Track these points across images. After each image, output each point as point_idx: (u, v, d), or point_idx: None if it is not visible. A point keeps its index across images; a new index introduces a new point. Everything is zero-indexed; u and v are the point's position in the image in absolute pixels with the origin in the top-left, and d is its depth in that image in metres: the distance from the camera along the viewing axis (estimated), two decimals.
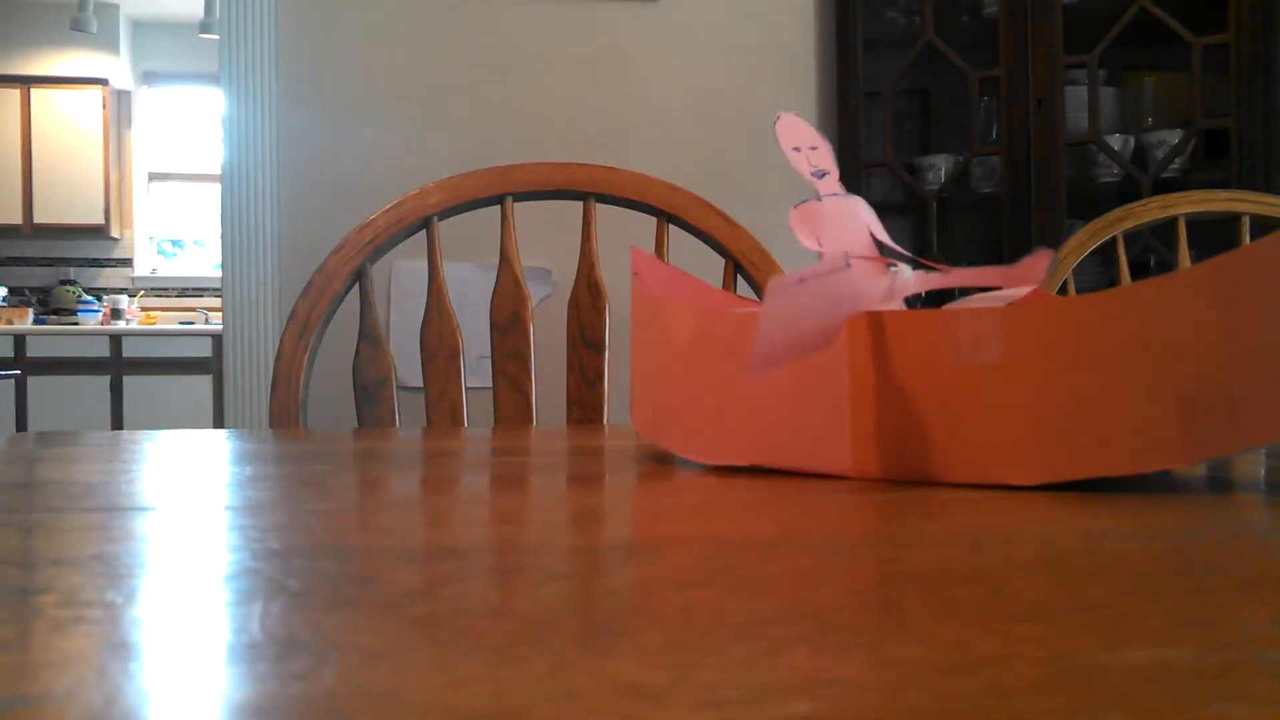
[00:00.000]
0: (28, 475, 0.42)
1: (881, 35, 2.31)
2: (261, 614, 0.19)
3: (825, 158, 0.53)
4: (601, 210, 1.13)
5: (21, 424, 4.56)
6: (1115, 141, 1.93)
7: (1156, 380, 0.34)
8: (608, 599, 0.20)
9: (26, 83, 5.34)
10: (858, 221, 0.52)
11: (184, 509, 0.33)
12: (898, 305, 0.48)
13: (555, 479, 0.42)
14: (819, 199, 0.52)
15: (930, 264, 0.49)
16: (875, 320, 0.39)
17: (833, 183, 0.52)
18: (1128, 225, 1.11)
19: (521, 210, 1.13)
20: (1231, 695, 0.14)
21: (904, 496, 0.35)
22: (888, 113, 2.22)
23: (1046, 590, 0.21)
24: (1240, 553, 0.26)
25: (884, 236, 0.52)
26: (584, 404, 0.96)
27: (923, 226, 2.16)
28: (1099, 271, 1.93)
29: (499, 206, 1.00)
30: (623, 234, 1.49)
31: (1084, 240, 1.12)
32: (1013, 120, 2.01)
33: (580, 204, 1.10)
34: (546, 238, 1.76)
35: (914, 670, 0.15)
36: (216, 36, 2.20)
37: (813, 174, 0.52)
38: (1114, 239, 1.12)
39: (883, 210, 2.38)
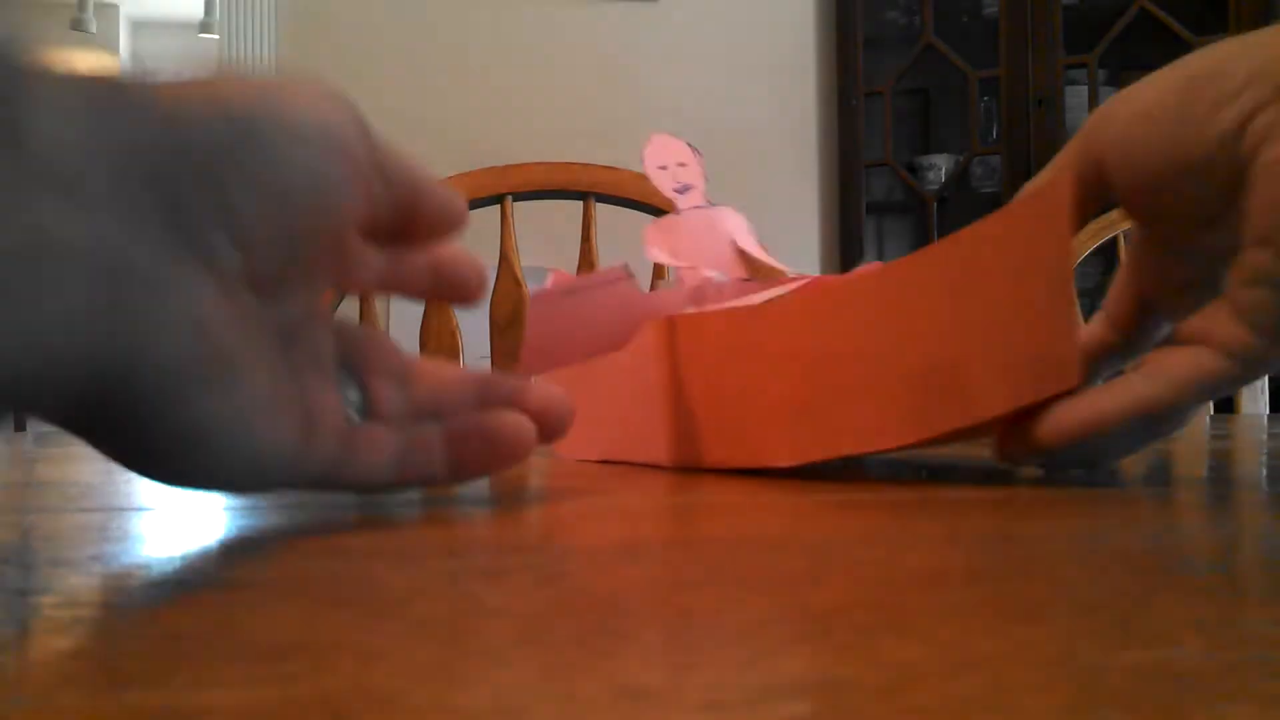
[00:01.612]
0: (26, 475, 0.42)
1: (881, 35, 2.31)
2: (260, 614, 0.19)
3: (693, 173, 0.54)
4: (601, 210, 1.13)
5: (20, 424, 4.56)
6: None
7: (885, 363, 0.36)
8: (607, 599, 0.20)
9: None
10: (718, 232, 0.53)
11: (183, 509, 0.33)
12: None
13: (554, 478, 0.42)
14: (679, 213, 0.53)
15: (796, 274, 0.50)
16: (671, 323, 0.42)
17: (696, 196, 0.53)
18: (1128, 224, 1.11)
19: (521, 210, 1.13)
20: (1233, 695, 0.14)
21: (903, 496, 0.35)
22: (888, 112, 2.21)
23: (1046, 590, 0.21)
24: (1241, 554, 0.26)
25: (749, 245, 0.53)
26: None
27: (923, 226, 2.16)
28: (1100, 271, 1.93)
29: (498, 206, 1.00)
30: (623, 234, 1.49)
31: (1084, 240, 1.12)
32: (1013, 120, 2.01)
33: (580, 204, 1.10)
34: (546, 237, 1.76)
35: (914, 670, 0.15)
36: (216, 36, 2.20)
37: (675, 190, 0.53)
38: (1115, 238, 1.12)
39: (883, 210, 2.38)
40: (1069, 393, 0.35)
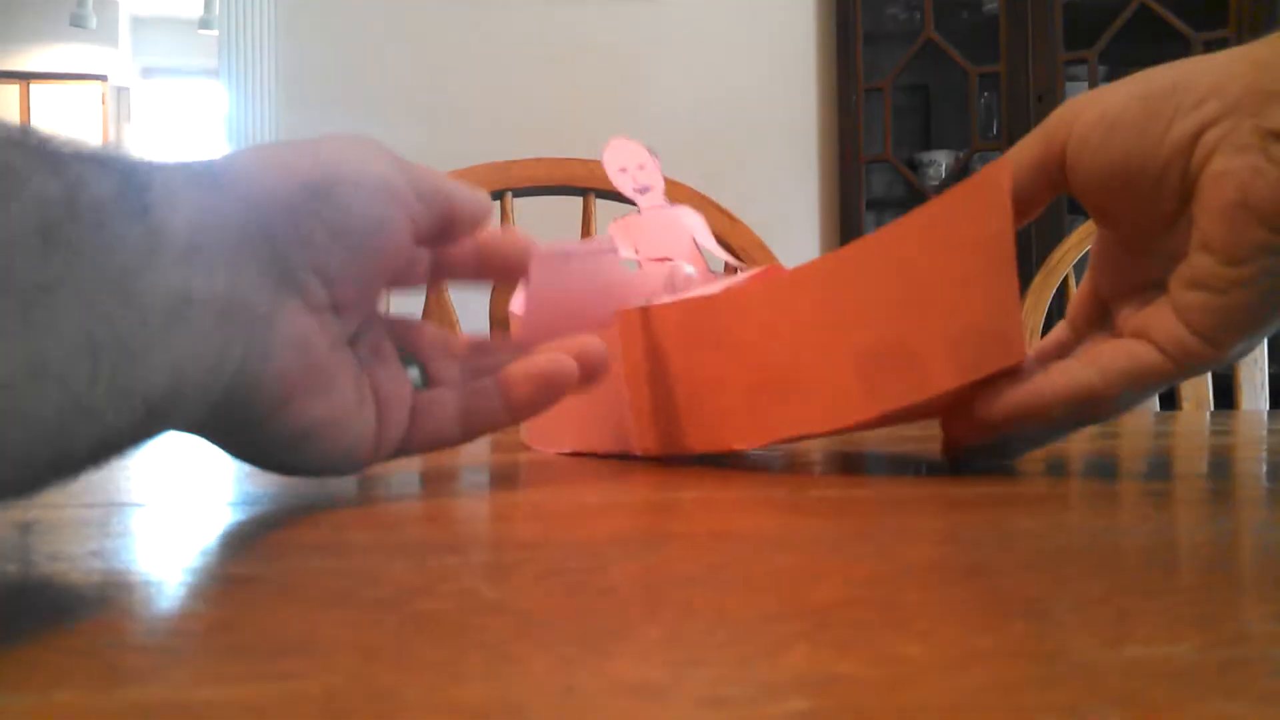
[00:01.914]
0: None
1: (881, 30, 2.31)
2: (259, 610, 0.19)
3: (652, 175, 0.56)
4: (602, 206, 1.12)
5: None
6: None
7: (837, 344, 0.37)
8: (607, 595, 0.20)
9: (26, 78, 5.34)
10: (678, 230, 0.54)
11: (183, 505, 0.33)
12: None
13: (554, 475, 0.42)
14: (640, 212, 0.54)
15: (743, 265, 0.51)
16: (639, 312, 0.43)
17: (656, 196, 0.55)
18: None
19: (521, 206, 1.13)
20: (1231, 692, 0.14)
21: (902, 494, 0.35)
22: (888, 108, 2.21)
23: (1045, 587, 0.21)
24: (1240, 550, 0.26)
25: (707, 241, 0.54)
26: None
27: None
28: None
29: (498, 203, 1.00)
30: None
31: (1084, 236, 1.12)
32: (1013, 116, 2.01)
33: (580, 200, 1.10)
34: (546, 234, 1.76)
35: (913, 667, 0.15)
36: (216, 32, 2.20)
37: (635, 190, 0.55)
38: None
39: (883, 206, 2.38)
40: (1014, 371, 0.36)
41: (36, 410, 0.20)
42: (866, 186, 2.27)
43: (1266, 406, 1.13)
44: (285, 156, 0.30)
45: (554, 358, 0.36)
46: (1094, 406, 0.36)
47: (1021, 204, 0.38)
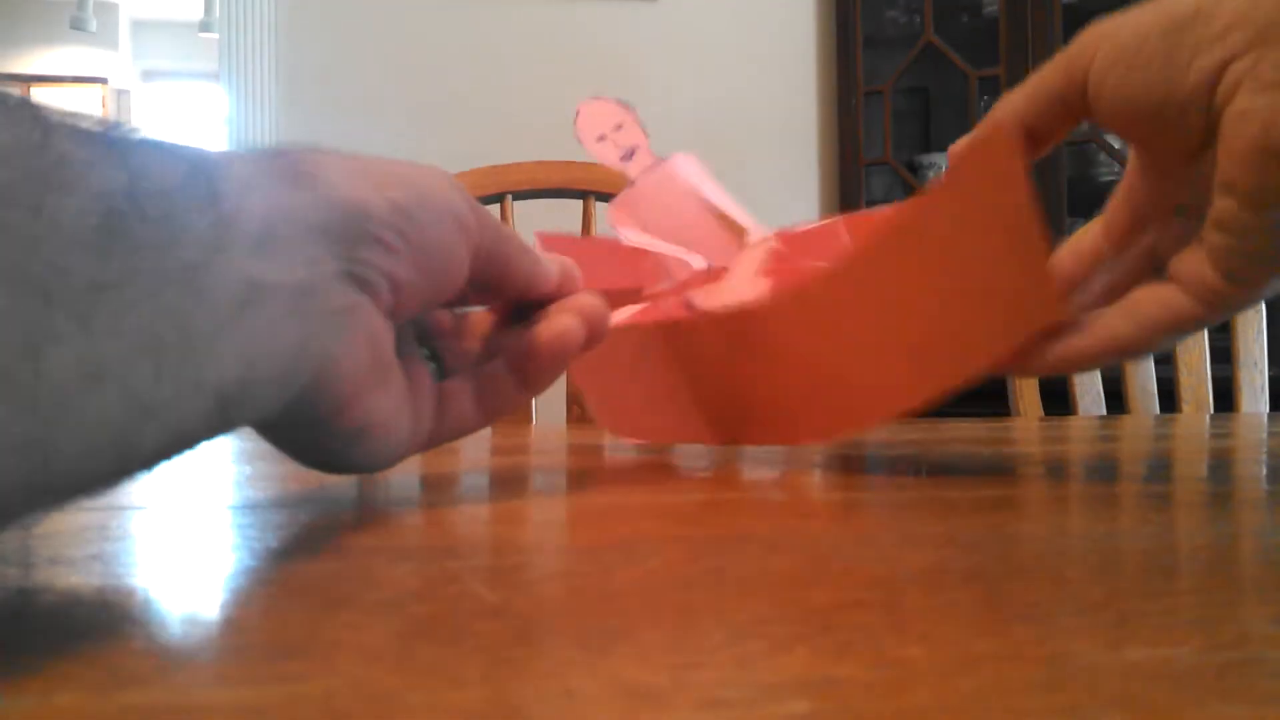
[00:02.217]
0: None
1: (881, 34, 2.31)
2: (260, 613, 0.19)
3: (632, 133, 0.51)
4: (601, 208, 1.12)
5: None
6: (1116, 140, 1.93)
7: (884, 336, 0.38)
8: (607, 598, 0.20)
9: (26, 81, 5.35)
10: (679, 189, 0.50)
11: (183, 508, 0.33)
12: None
13: (555, 477, 0.42)
14: (633, 184, 0.50)
15: (745, 220, 0.49)
16: (675, 328, 0.44)
17: (644, 156, 0.51)
18: None
19: (521, 208, 1.13)
20: (1232, 695, 0.14)
21: (902, 497, 0.35)
22: (888, 111, 2.21)
23: (1046, 590, 0.21)
24: (1240, 553, 0.26)
25: (714, 194, 0.50)
26: (583, 402, 0.96)
27: None
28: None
29: (498, 205, 1.00)
30: None
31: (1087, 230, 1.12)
32: None
33: (580, 202, 1.10)
34: None
35: (914, 670, 0.15)
36: (216, 35, 2.20)
37: (621, 157, 0.51)
38: None
39: None
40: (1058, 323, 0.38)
41: (97, 413, 0.19)
42: (866, 189, 2.27)
43: (1266, 409, 1.13)
44: (376, 173, 0.31)
45: (559, 329, 0.36)
46: (1133, 353, 0.38)
47: (1042, 135, 0.38)
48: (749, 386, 0.42)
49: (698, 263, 0.51)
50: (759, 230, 0.50)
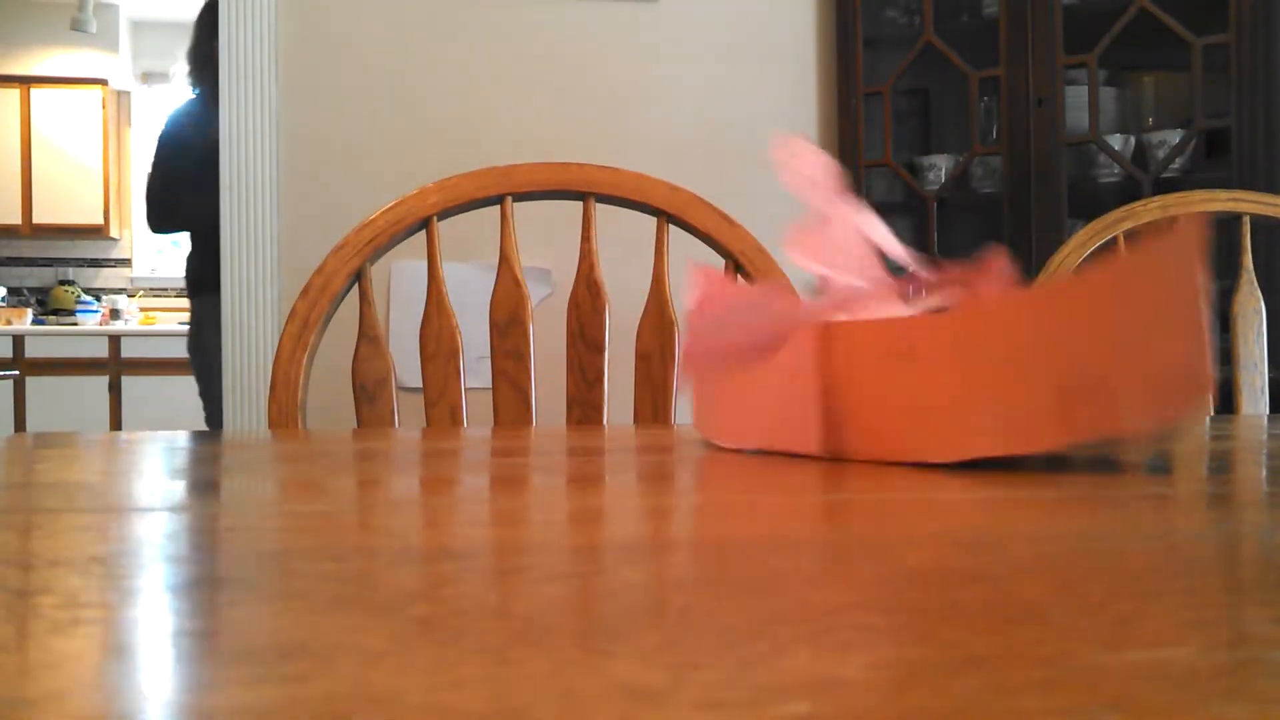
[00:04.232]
0: (26, 476, 0.42)
1: (881, 34, 2.31)
2: (260, 615, 0.19)
3: (823, 175, 0.56)
4: (601, 210, 1.12)
5: (20, 425, 4.56)
6: (1115, 141, 1.93)
7: (1036, 374, 0.41)
8: (607, 599, 0.20)
9: (26, 82, 5.34)
10: (854, 232, 0.56)
11: (183, 510, 0.33)
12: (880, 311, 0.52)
13: (554, 479, 0.42)
14: (815, 219, 0.55)
15: (925, 264, 0.53)
16: (828, 330, 0.46)
17: (830, 200, 0.56)
18: (1129, 225, 1.11)
19: (521, 210, 1.13)
20: (1232, 695, 0.14)
21: (902, 498, 0.35)
22: (888, 112, 2.21)
23: (1046, 590, 0.21)
24: (1240, 553, 0.26)
25: (887, 242, 0.56)
26: (584, 404, 0.96)
27: (923, 226, 2.16)
28: None
29: (498, 206, 1.00)
30: (622, 234, 1.48)
31: (1085, 240, 1.12)
32: (1013, 120, 2.01)
33: (580, 204, 1.10)
34: (546, 238, 1.76)
35: (914, 670, 0.15)
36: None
37: (810, 192, 0.56)
38: (1115, 239, 1.12)
39: (883, 210, 2.38)
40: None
41: None
42: (866, 190, 2.27)
43: (1266, 411, 1.13)
44: None
45: None
46: None
47: None
48: (888, 397, 0.44)
49: (860, 286, 0.54)
50: (928, 284, 0.54)
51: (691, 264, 0.58)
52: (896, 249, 0.56)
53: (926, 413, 0.43)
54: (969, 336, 0.42)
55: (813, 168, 0.57)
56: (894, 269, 0.55)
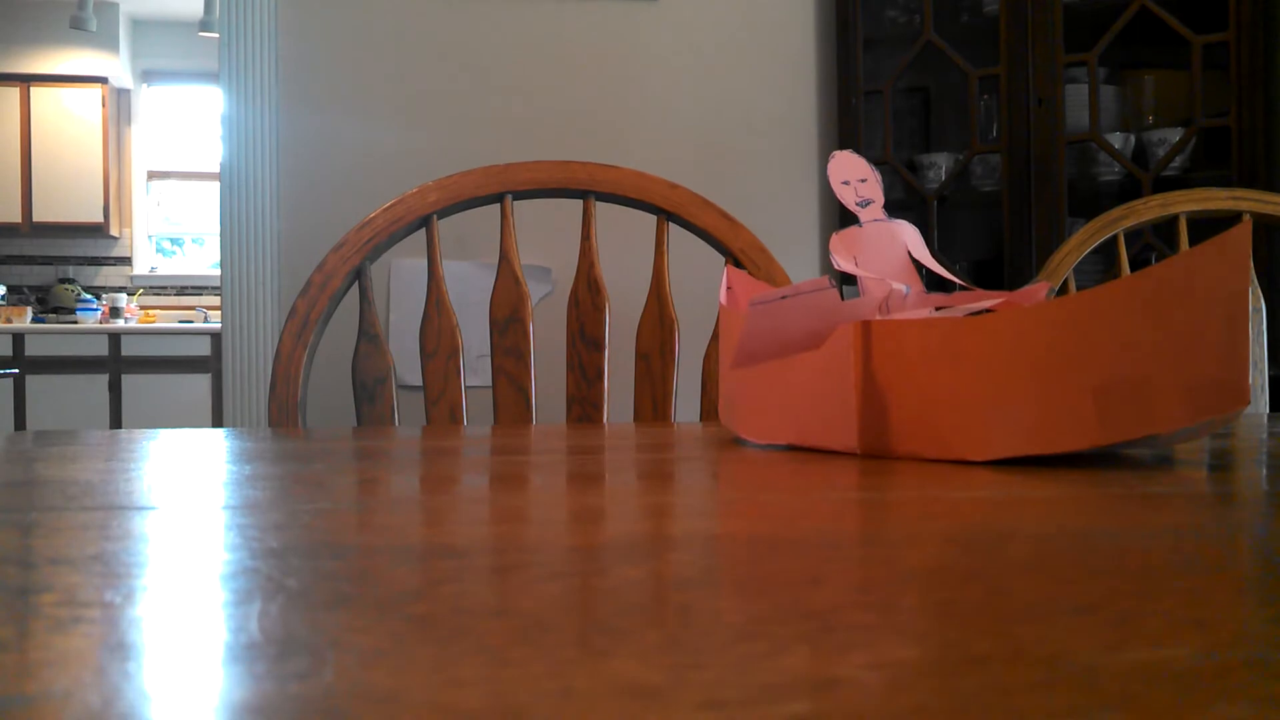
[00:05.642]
0: (26, 474, 0.42)
1: (881, 33, 2.31)
2: (260, 613, 0.19)
3: (872, 189, 0.60)
4: (601, 208, 1.12)
5: (20, 423, 4.56)
6: (1116, 140, 1.93)
7: (1076, 376, 0.42)
8: (607, 598, 0.20)
9: (26, 81, 5.33)
10: (896, 244, 0.59)
11: (183, 508, 0.33)
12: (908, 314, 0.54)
13: (554, 478, 0.42)
14: (861, 226, 0.59)
15: (960, 281, 0.57)
16: (868, 327, 0.47)
17: (876, 210, 0.59)
18: (1129, 224, 1.11)
19: (521, 209, 1.13)
20: (1231, 695, 0.14)
21: (903, 496, 0.35)
22: (888, 111, 2.21)
23: (1046, 590, 0.21)
24: (1240, 553, 0.26)
25: (924, 256, 0.58)
26: (584, 402, 0.96)
27: (923, 224, 2.16)
28: (1100, 269, 1.93)
29: (498, 205, 1.00)
30: (622, 232, 1.48)
31: (1085, 239, 1.12)
32: (1013, 118, 2.01)
33: (580, 202, 1.10)
34: (546, 236, 1.76)
35: (913, 670, 0.15)
36: (216, 35, 2.20)
37: (857, 203, 0.59)
38: (1115, 237, 1.12)
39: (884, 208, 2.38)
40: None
41: None
42: None
43: (1266, 409, 1.13)
44: None
45: None
46: None
47: None
48: (928, 395, 0.45)
49: (902, 289, 0.56)
50: (912, 293, 0.57)
51: (729, 266, 0.60)
52: (936, 265, 0.58)
53: (965, 411, 0.44)
54: (1009, 337, 0.43)
55: (860, 177, 0.59)
56: (932, 283, 0.58)
